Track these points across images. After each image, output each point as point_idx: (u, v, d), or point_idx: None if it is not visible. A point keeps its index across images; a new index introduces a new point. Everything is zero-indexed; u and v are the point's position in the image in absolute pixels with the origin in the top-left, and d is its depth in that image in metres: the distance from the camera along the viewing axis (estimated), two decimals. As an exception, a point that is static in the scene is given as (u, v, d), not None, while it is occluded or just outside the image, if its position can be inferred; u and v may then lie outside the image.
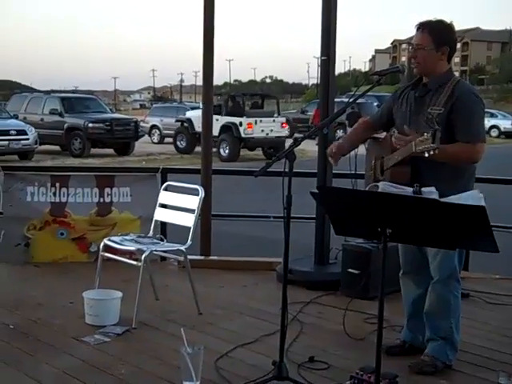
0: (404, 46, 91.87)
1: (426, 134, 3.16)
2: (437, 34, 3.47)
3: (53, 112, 21.79)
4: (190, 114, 23.97)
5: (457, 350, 3.68)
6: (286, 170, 3.26)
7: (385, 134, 3.79)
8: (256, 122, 21.28)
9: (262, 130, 21.29)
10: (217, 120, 19.96)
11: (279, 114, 23.33)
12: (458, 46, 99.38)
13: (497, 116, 37.12)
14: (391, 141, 3.56)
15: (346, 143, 3.81)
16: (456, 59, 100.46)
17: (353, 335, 4.11)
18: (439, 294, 3.59)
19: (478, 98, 3.49)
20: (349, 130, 3.94)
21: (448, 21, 3.56)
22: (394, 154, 3.50)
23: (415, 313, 3.78)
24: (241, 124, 21.07)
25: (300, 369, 3.60)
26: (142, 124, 25.29)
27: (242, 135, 21.02)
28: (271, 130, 21.51)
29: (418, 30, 3.51)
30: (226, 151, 20.97)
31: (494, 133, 35.77)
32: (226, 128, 21.00)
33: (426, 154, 3.16)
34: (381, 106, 3.99)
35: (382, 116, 3.84)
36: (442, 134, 3.35)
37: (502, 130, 35.98)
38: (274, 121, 21.88)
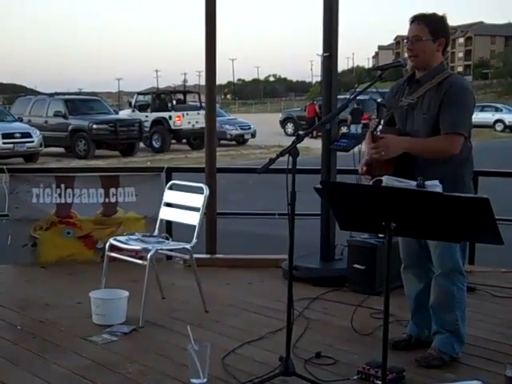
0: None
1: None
2: (433, 25, 3.48)
3: (57, 114, 21.84)
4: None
5: (463, 342, 3.68)
6: (290, 166, 3.26)
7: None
8: (183, 115, 24.12)
9: (189, 122, 23.97)
10: (146, 116, 24.08)
11: (202, 108, 25.40)
12: (462, 40, 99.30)
13: (502, 110, 37.04)
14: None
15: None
16: (460, 54, 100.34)
17: (359, 330, 4.11)
18: (443, 287, 3.59)
19: (467, 90, 3.49)
20: (352, 126, 3.92)
21: (441, 14, 3.59)
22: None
23: (419, 307, 3.78)
24: (170, 117, 23.98)
25: (307, 364, 3.61)
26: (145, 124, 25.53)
27: (172, 127, 23.87)
28: (196, 122, 23.64)
29: (412, 22, 3.52)
30: (158, 143, 23.68)
31: (499, 127, 35.69)
32: (156, 122, 23.93)
33: (377, 132, 3.29)
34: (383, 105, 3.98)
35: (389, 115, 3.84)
36: (430, 126, 3.40)
37: (507, 123, 35.86)
38: (198, 113, 23.77)
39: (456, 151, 3.41)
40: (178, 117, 23.95)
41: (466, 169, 3.55)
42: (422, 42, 3.47)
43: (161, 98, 25.84)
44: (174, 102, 25.75)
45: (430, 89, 3.48)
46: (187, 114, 24.09)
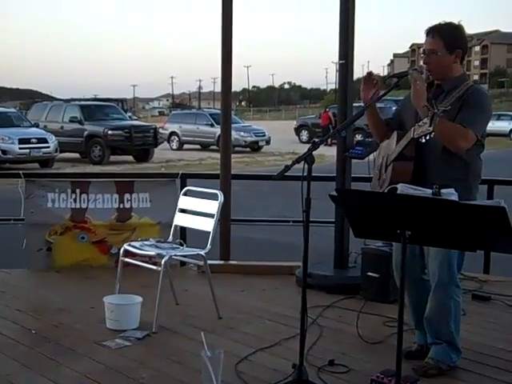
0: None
1: (425, 118, 3.17)
2: (448, 37, 3.43)
3: (73, 120, 21.98)
4: None
5: (460, 350, 3.64)
6: (306, 173, 3.25)
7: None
8: None
9: None
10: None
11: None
12: (478, 48, 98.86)
13: (517, 119, 36.78)
14: (397, 136, 3.55)
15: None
16: (476, 62, 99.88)
17: (373, 339, 4.09)
18: (440, 300, 3.55)
19: (486, 95, 3.50)
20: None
21: (457, 22, 3.55)
22: (397, 146, 3.49)
23: (420, 316, 3.71)
24: None
25: (320, 372, 3.60)
26: (161, 131, 25.55)
27: None
28: None
29: (427, 35, 3.47)
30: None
31: (515, 136, 35.43)
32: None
33: (423, 140, 3.20)
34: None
35: (395, 118, 3.83)
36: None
37: (523, 132, 35.62)
38: None
39: (464, 147, 3.33)
40: None
41: (476, 181, 3.52)
42: (437, 56, 3.43)
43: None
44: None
45: (448, 95, 3.46)
46: None
